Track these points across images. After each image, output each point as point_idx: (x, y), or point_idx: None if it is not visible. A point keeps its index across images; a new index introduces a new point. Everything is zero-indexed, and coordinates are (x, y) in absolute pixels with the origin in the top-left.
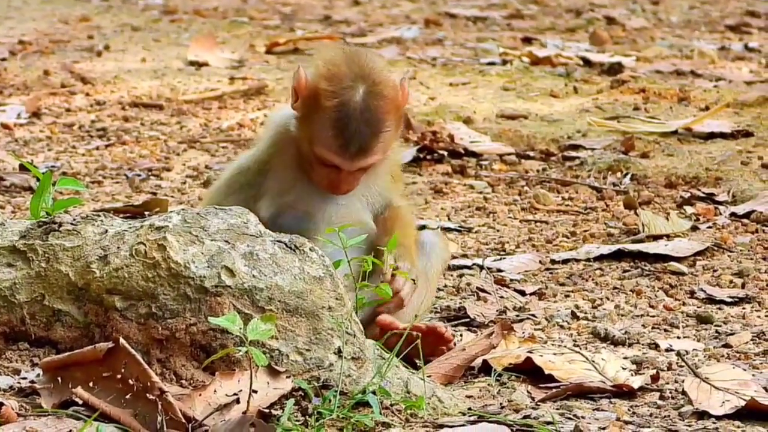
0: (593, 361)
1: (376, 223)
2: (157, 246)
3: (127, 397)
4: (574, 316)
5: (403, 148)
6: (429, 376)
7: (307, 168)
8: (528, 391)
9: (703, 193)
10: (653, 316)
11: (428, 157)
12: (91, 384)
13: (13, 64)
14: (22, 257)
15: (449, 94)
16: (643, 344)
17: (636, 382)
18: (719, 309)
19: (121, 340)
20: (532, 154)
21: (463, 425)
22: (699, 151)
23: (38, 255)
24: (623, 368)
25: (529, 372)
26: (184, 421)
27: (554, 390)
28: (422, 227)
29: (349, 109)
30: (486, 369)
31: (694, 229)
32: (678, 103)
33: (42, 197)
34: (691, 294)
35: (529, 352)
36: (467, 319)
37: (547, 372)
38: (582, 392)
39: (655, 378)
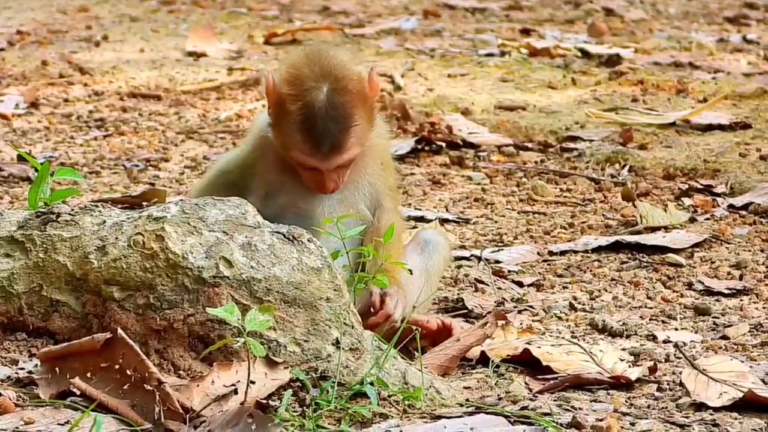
0: (591, 353)
1: (366, 232)
2: (155, 237)
3: (125, 387)
4: (571, 307)
5: (394, 138)
6: (426, 368)
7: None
8: (526, 383)
9: (701, 184)
10: (651, 308)
11: (426, 148)
12: (88, 374)
13: (11, 55)
14: (20, 248)
15: (447, 86)
16: (640, 336)
17: (633, 373)
18: (717, 301)
19: (119, 331)
20: (530, 145)
21: (460, 416)
22: (697, 143)
23: (36, 245)
24: (621, 359)
25: (527, 363)
26: (181, 411)
27: (552, 381)
28: (420, 218)
29: (314, 110)
30: (484, 360)
31: (692, 220)
32: (676, 94)
33: (40, 188)
34: (689, 286)
35: (527, 343)
36: (465, 311)
37: (544, 363)
38: (579, 384)
39: (652, 370)
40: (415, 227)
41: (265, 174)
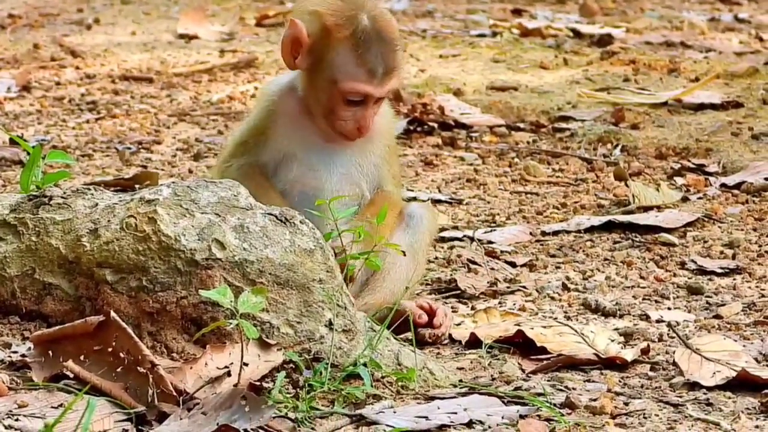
0: (582, 334)
1: (359, 210)
2: (147, 219)
3: (118, 370)
4: (564, 287)
5: (397, 119)
6: (421, 349)
7: (325, 123)
8: (519, 363)
9: (694, 164)
10: (644, 288)
11: (418, 129)
12: (81, 357)
13: (2, 38)
14: (12, 231)
15: (439, 67)
16: (633, 315)
17: (628, 354)
18: (710, 280)
19: (112, 314)
20: (522, 125)
21: (454, 397)
22: (689, 122)
23: (29, 229)
24: (611, 340)
25: (520, 344)
26: (175, 394)
27: (545, 362)
28: (413, 199)
29: (365, 34)
30: (476, 342)
31: (685, 200)
32: (668, 74)
33: (32, 171)
34: (682, 265)
35: (517, 324)
36: (458, 291)
37: (538, 344)
38: (573, 364)
39: (645, 351)
40: None
41: (275, 143)
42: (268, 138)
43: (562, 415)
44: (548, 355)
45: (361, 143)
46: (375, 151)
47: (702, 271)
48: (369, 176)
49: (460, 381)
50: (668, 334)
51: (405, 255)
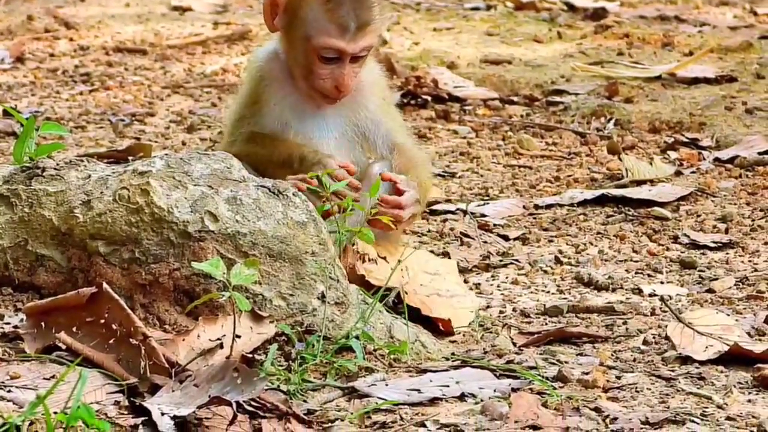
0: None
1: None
2: (140, 191)
3: (111, 342)
4: (557, 261)
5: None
6: (417, 325)
7: (306, 84)
8: (511, 337)
9: (687, 138)
10: (637, 261)
11: (412, 102)
12: (74, 329)
13: None
14: (5, 202)
15: (433, 39)
16: (626, 289)
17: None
18: (703, 254)
19: (105, 285)
20: (515, 99)
21: (446, 370)
22: (683, 96)
23: (21, 200)
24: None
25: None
26: (167, 366)
27: (537, 335)
28: None
29: None
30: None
31: (678, 174)
32: (662, 48)
33: (25, 142)
34: (675, 239)
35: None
36: None
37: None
38: (565, 337)
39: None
40: None
41: (270, 112)
42: (262, 106)
43: (555, 388)
44: (541, 329)
45: (352, 101)
46: (369, 107)
47: (695, 245)
48: (369, 133)
49: (453, 354)
50: (661, 308)
51: (396, 228)
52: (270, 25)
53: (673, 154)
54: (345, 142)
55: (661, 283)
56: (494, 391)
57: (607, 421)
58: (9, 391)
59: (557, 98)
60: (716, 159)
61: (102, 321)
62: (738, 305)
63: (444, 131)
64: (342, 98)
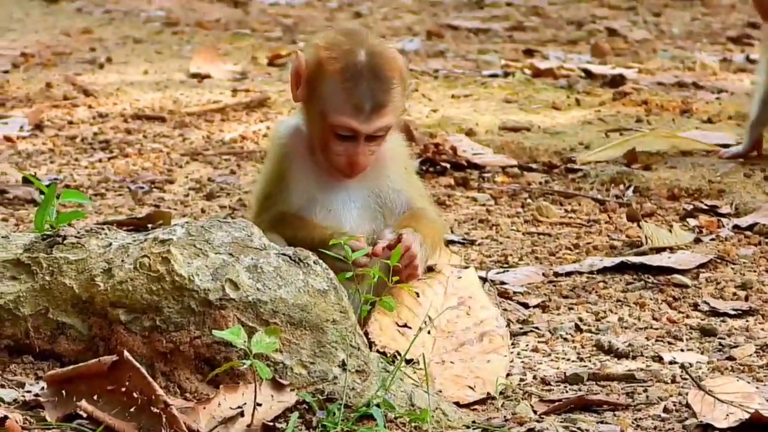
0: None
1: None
2: (161, 259)
3: (132, 410)
4: (577, 328)
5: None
6: (439, 392)
7: (323, 157)
8: (531, 405)
9: (706, 205)
10: (657, 329)
11: (431, 169)
12: (95, 397)
13: (15, 77)
14: (26, 270)
15: (451, 106)
16: (646, 357)
17: None
18: (723, 321)
19: (126, 353)
20: (534, 166)
21: None
22: (702, 164)
23: (42, 268)
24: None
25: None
26: None
27: (558, 403)
28: None
29: (356, 69)
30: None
31: (697, 241)
32: (680, 114)
33: (46, 210)
34: (695, 306)
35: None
36: None
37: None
38: (585, 405)
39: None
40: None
41: (296, 188)
42: (288, 184)
43: None
44: (561, 397)
45: (374, 172)
46: (391, 176)
47: (715, 313)
48: (390, 204)
49: (473, 422)
50: (681, 376)
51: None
52: (294, 94)
53: (692, 221)
54: (367, 213)
55: (682, 350)
56: None
57: None
58: None
59: (576, 165)
60: (735, 226)
61: (123, 389)
62: (758, 372)
63: (463, 198)
64: (356, 176)
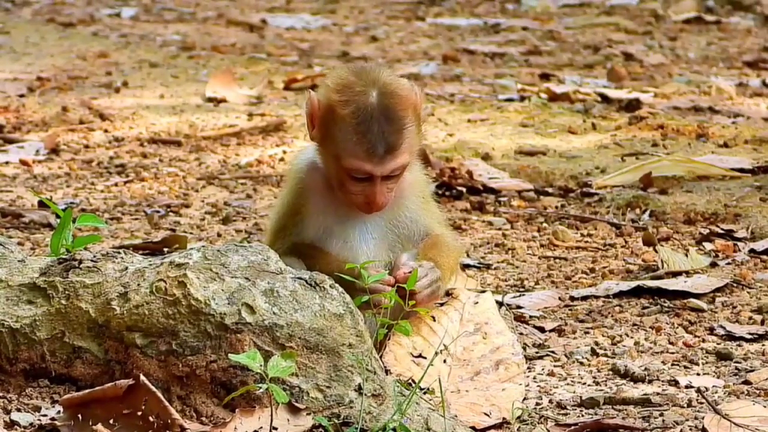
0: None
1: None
2: (177, 283)
3: None
4: (593, 352)
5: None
6: (455, 416)
7: (341, 194)
8: (548, 429)
9: (722, 229)
10: (673, 353)
11: (447, 193)
12: (111, 421)
13: (31, 101)
14: (42, 294)
15: (467, 131)
16: (663, 381)
17: None
18: (739, 345)
19: (142, 377)
20: (550, 190)
21: None
22: (718, 188)
23: (58, 292)
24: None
25: None
26: None
27: (574, 427)
28: None
29: (367, 112)
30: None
31: (714, 265)
32: (696, 139)
33: (62, 234)
34: (711, 330)
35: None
36: None
37: None
38: (602, 429)
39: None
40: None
41: (312, 221)
42: (304, 217)
43: None
44: (577, 421)
45: (392, 203)
46: (409, 206)
47: (731, 337)
48: (407, 233)
49: None
50: (697, 400)
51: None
52: (310, 134)
53: (708, 246)
54: (384, 243)
55: (698, 374)
56: None
57: None
58: None
59: (592, 189)
60: (751, 250)
61: (139, 413)
62: None
63: (479, 223)
64: (376, 212)
